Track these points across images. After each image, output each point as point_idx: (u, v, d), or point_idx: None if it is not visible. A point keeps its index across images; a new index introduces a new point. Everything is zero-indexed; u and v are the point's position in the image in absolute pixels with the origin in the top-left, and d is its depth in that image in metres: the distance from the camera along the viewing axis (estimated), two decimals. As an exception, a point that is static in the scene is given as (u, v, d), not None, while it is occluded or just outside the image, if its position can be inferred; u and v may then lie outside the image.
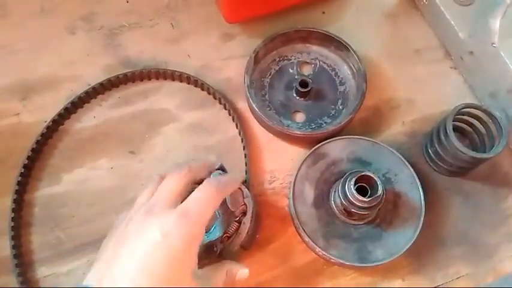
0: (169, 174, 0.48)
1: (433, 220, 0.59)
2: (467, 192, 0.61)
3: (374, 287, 0.56)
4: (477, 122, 0.60)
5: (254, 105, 0.61)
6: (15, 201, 0.58)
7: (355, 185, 0.52)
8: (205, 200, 0.44)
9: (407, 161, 0.59)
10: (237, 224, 0.54)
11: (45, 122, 0.62)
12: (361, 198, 0.51)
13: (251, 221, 0.54)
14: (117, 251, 0.41)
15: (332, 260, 0.56)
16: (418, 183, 0.58)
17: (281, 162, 0.63)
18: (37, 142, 0.61)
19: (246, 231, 0.53)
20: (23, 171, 0.59)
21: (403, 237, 0.56)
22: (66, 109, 0.63)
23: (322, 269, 0.57)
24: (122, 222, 0.44)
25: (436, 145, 0.59)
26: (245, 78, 0.62)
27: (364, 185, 0.53)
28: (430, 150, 0.61)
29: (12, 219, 0.57)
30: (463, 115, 0.59)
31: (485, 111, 0.57)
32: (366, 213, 0.54)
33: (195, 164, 0.49)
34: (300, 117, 0.65)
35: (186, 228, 0.41)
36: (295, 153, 0.63)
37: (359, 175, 0.52)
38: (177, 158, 0.61)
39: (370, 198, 0.51)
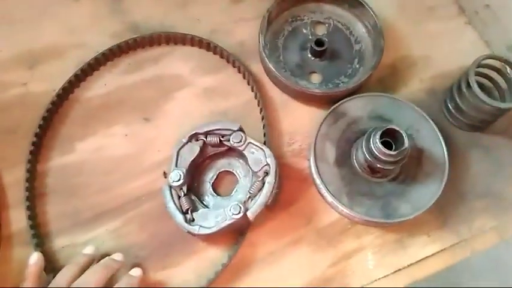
0: (90, 270, 0.50)
1: (455, 175, 0.58)
2: (488, 146, 0.61)
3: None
4: (497, 75, 0.59)
5: (270, 65, 0.60)
6: (28, 171, 0.56)
7: (380, 139, 0.51)
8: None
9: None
10: (260, 183, 0.53)
11: (54, 90, 0.60)
12: (387, 151, 0.51)
13: (275, 179, 0.52)
14: None
15: (356, 219, 0.55)
16: (441, 137, 0.57)
17: (299, 123, 0.62)
18: (47, 110, 0.59)
19: (271, 189, 0.52)
20: (34, 140, 0.58)
21: (427, 192, 0.55)
22: (75, 76, 0.61)
23: (346, 228, 0.56)
24: None
25: (457, 99, 0.58)
26: (260, 38, 0.61)
27: (389, 140, 0.53)
28: (450, 105, 0.60)
29: (27, 189, 0.56)
30: (483, 67, 0.58)
31: (506, 61, 0.57)
32: (391, 168, 0.53)
33: (112, 263, 0.52)
34: (316, 78, 0.64)
35: None
36: (313, 114, 0.62)
37: (384, 129, 0.51)
38: (193, 123, 0.59)
39: (396, 151, 0.50)
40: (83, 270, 0.50)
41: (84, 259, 0.51)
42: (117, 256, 0.53)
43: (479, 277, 1.20)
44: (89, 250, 0.53)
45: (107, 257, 0.52)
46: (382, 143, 0.52)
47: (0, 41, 0.64)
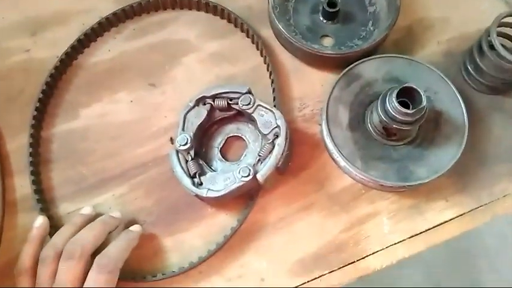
0: (88, 226, 0.49)
1: (475, 139, 0.56)
2: (508, 110, 0.58)
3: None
4: (519, 34, 0.56)
5: (280, 26, 0.57)
6: (32, 136, 0.55)
7: (396, 99, 0.49)
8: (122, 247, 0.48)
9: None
10: (270, 146, 0.51)
11: (58, 57, 0.59)
12: (404, 110, 0.48)
13: (285, 141, 0.50)
14: None
15: (371, 183, 0.53)
16: (460, 99, 0.54)
17: (310, 88, 0.59)
18: (51, 76, 0.58)
19: (281, 152, 0.50)
20: (38, 105, 0.56)
21: (446, 155, 0.53)
22: (79, 41, 0.60)
23: (360, 194, 0.54)
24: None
25: (478, 59, 0.55)
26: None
27: (405, 100, 0.50)
28: (469, 67, 0.58)
29: (30, 154, 0.54)
30: (505, 26, 0.55)
31: (530, 18, 0.54)
32: (408, 128, 0.51)
33: (110, 219, 0.50)
34: (328, 41, 0.61)
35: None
36: (325, 79, 0.59)
37: (401, 88, 0.49)
38: (200, 89, 0.57)
39: (414, 110, 0.48)
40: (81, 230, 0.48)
41: (82, 219, 0.50)
42: (115, 213, 0.51)
43: (495, 259, 1.18)
44: (86, 210, 0.52)
45: (104, 214, 0.51)
46: (399, 103, 0.49)
47: (2, 8, 0.63)
